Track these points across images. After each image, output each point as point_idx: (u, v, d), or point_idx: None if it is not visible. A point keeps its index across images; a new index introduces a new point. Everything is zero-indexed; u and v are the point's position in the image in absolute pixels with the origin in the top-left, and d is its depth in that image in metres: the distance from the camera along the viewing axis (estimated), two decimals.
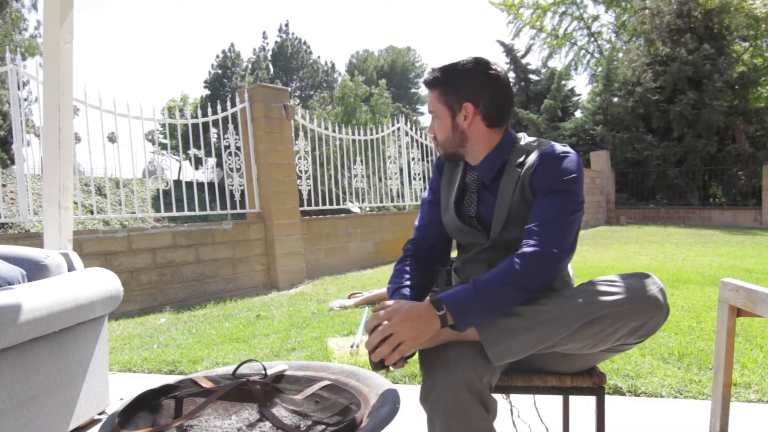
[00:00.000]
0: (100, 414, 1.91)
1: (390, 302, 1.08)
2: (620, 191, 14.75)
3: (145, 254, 4.40)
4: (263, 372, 1.23)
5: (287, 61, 33.81)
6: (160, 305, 4.43)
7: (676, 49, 13.75)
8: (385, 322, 1.01)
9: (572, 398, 1.59)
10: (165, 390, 1.16)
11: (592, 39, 20.75)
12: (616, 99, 15.33)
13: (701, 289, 3.99)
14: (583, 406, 1.87)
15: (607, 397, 1.72)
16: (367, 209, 8.06)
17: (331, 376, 1.28)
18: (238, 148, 5.28)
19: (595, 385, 1.17)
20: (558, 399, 1.66)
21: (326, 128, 6.30)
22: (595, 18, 20.51)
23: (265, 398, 1.10)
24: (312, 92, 32.33)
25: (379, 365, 1.05)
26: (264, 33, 52.88)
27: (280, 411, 1.08)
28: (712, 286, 4.06)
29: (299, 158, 5.77)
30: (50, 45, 2.21)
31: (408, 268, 1.29)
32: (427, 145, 7.99)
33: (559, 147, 1.18)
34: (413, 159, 7.65)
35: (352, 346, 2.67)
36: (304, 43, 34.95)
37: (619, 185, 14.76)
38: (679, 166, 14.19)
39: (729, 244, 7.52)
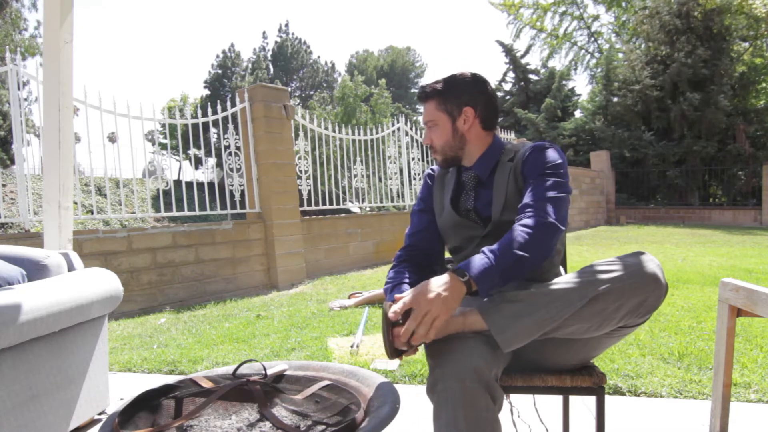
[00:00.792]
0: (100, 414, 1.91)
1: (404, 293, 1.09)
2: (620, 191, 14.76)
3: (145, 254, 4.40)
4: (263, 372, 1.23)
5: (287, 61, 33.82)
6: (160, 305, 4.44)
7: (676, 49, 13.75)
8: (415, 308, 1.03)
9: (572, 398, 1.59)
10: (165, 390, 1.16)
11: (593, 39, 20.75)
12: (615, 99, 15.34)
13: (701, 289, 3.99)
14: (582, 407, 1.87)
15: (607, 397, 1.72)
16: (367, 209, 8.06)
17: (331, 376, 1.28)
18: (238, 148, 5.28)
19: (595, 385, 1.17)
20: (558, 399, 1.66)
21: (326, 128, 6.30)
22: (596, 18, 20.52)
23: (265, 398, 1.10)
24: (312, 92, 32.33)
25: (396, 352, 1.07)
26: (264, 33, 52.96)
27: (280, 411, 1.08)
28: (712, 286, 4.06)
29: (299, 158, 5.77)
30: (50, 45, 2.21)
31: (404, 271, 1.33)
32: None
33: (545, 142, 1.31)
34: (413, 159, 7.65)
35: (352, 346, 2.67)
36: (304, 43, 34.97)
37: (619, 185, 14.76)
38: (679, 166, 14.19)
39: (729, 244, 7.53)
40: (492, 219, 1.28)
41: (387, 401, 1.07)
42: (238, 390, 1.13)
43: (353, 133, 6.66)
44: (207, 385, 1.20)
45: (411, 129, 7.63)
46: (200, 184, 20.86)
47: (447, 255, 1.50)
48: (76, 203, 4.41)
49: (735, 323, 1.35)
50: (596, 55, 20.12)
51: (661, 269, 1.08)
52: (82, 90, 4.23)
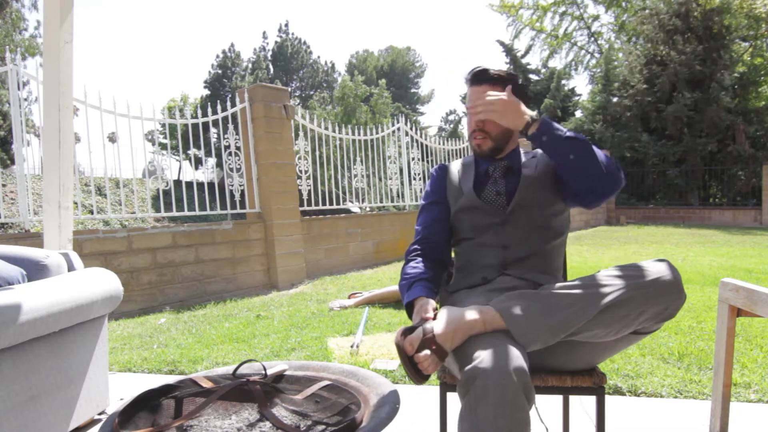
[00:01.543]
0: (100, 414, 1.91)
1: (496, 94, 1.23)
2: (620, 191, 14.74)
3: (145, 254, 4.40)
4: (263, 372, 1.23)
5: (287, 61, 33.81)
6: (160, 305, 4.44)
7: (675, 48, 13.75)
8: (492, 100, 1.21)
9: (572, 399, 1.59)
10: (165, 390, 1.16)
11: (593, 39, 20.75)
12: (615, 99, 15.34)
13: (701, 289, 3.99)
14: (581, 409, 1.87)
15: (607, 397, 1.72)
16: (367, 209, 8.06)
17: (331, 376, 1.28)
18: (238, 148, 5.28)
19: (595, 385, 1.17)
20: (558, 399, 1.66)
21: (326, 128, 6.30)
22: (595, 18, 20.53)
23: (265, 398, 1.10)
24: (312, 92, 32.32)
25: (424, 376, 1.07)
26: (264, 33, 52.86)
27: (280, 411, 1.08)
28: (712, 286, 4.06)
29: (299, 158, 5.77)
30: (50, 45, 2.21)
31: (419, 265, 1.35)
32: (427, 145, 7.99)
33: None
34: (413, 159, 7.65)
35: (352, 346, 2.67)
36: (304, 43, 34.95)
37: None
38: (678, 165, 14.19)
39: (729, 244, 7.53)
40: (518, 190, 1.34)
41: (387, 401, 1.07)
42: (238, 390, 1.13)
43: (353, 133, 6.66)
44: (207, 385, 1.20)
45: (411, 129, 7.63)
46: (200, 184, 20.86)
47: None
48: (76, 203, 4.41)
49: (735, 323, 1.35)
50: (596, 55, 20.13)
51: (681, 279, 1.07)
52: (82, 90, 4.24)
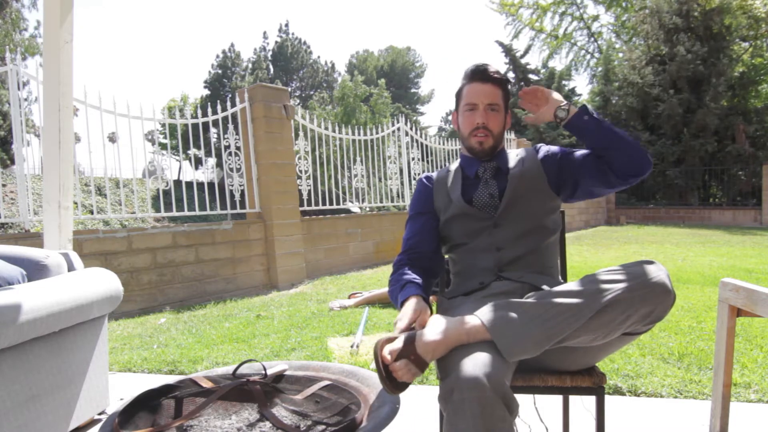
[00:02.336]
0: (100, 414, 1.91)
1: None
2: (620, 191, 14.75)
3: (145, 254, 4.40)
4: (263, 372, 1.23)
5: (287, 61, 33.79)
6: (160, 305, 4.44)
7: (675, 48, 13.76)
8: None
9: (572, 398, 1.59)
10: (165, 390, 1.16)
11: (592, 39, 20.75)
12: (615, 99, 15.34)
13: (701, 289, 3.99)
14: (582, 407, 1.87)
15: (607, 397, 1.72)
16: (367, 209, 8.06)
17: (331, 376, 1.28)
18: (238, 148, 5.28)
19: (595, 385, 1.17)
20: (558, 399, 1.66)
21: (326, 128, 6.30)
22: (595, 18, 20.53)
23: (265, 398, 1.10)
24: (312, 92, 32.31)
25: (398, 386, 1.05)
26: (264, 33, 52.75)
27: (280, 411, 1.08)
28: (712, 286, 4.06)
29: (299, 158, 5.77)
30: (50, 45, 2.21)
31: (407, 272, 1.34)
32: (427, 145, 7.99)
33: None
34: (413, 159, 7.65)
35: (352, 346, 2.67)
36: (304, 43, 34.93)
37: None
38: (677, 165, 14.19)
39: (729, 244, 7.53)
40: (507, 185, 1.35)
41: (387, 401, 1.07)
42: (238, 390, 1.13)
43: (353, 133, 6.66)
44: (207, 385, 1.20)
45: (411, 129, 7.63)
46: (200, 184, 20.85)
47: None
48: (76, 203, 4.41)
49: (735, 323, 1.35)
50: (596, 55, 20.13)
51: (669, 279, 1.05)
52: (82, 90, 4.24)
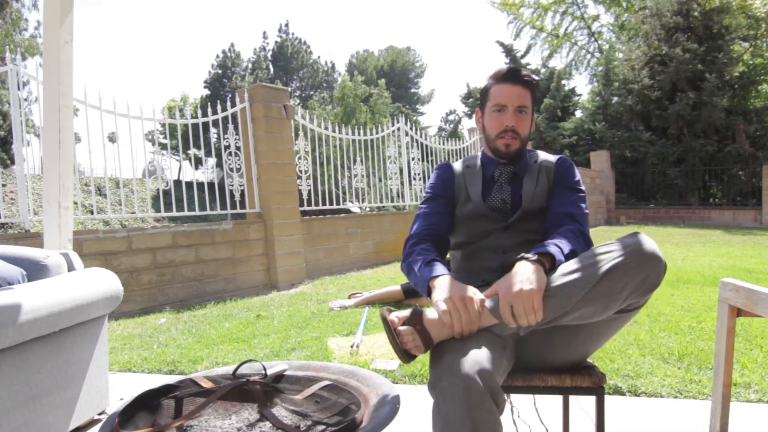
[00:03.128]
0: (100, 414, 1.91)
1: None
2: (620, 191, 14.75)
3: (145, 254, 4.40)
4: (263, 372, 1.23)
5: (287, 61, 33.79)
6: (160, 305, 4.44)
7: (675, 48, 13.76)
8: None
9: (571, 398, 1.59)
10: (165, 390, 1.16)
11: (593, 39, 20.75)
12: (615, 99, 15.34)
13: (701, 289, 3.99)
14: (580, 408, 1.87)
15: (607, 397, 1.72)
16: (367, 209, 8.06)
17: (331, 376, 1.28)
18: (238, 148, 5.28)
19: (595, 384, 1.17)
20: (558, 399, 1.66)
21: (326, 128, 6.30)
22: (596, 18, 20.53)
23: (265, 398, 1.10)
24: (312, 92, 32.31)
25: (408, 355, 1.07)
26: (264, 33, 52.75)
27: (280, 411, 1.08)
28: (712, 286, 4.06)
29: (299, 158, 5.77)
30: (50, 45, 2.21)
31: (432, 248, 1.31)
32: (427, 145, 7.99)
33: (567, 157, 1.47)
34: (413, 159, 7.65)
35: (352, 346, 2.67)
36: (304, 43, 34.92)
37: (619, 185, 14.76)
38: (678, 165, 14.19)
39: (729, 244, 7.52)
40: (522, 205, 1.36)
41: (387, 401, 1.07)
42: (238, 390, 1.13)
43: (353, 133, 6.66)
44: (207, 385, 1.20)
45: (411, 129, 7.63)
46: (200, 184, 20.85)
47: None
48: (76, 203, 4.41)
49: (735, 323, 1.35)
50: (596, 55, 20.13)
51: (658, 247, 1.09)
52: (82, 90, 4.24)
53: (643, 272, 1.05)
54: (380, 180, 7.38)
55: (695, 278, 4.45)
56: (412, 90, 37.40)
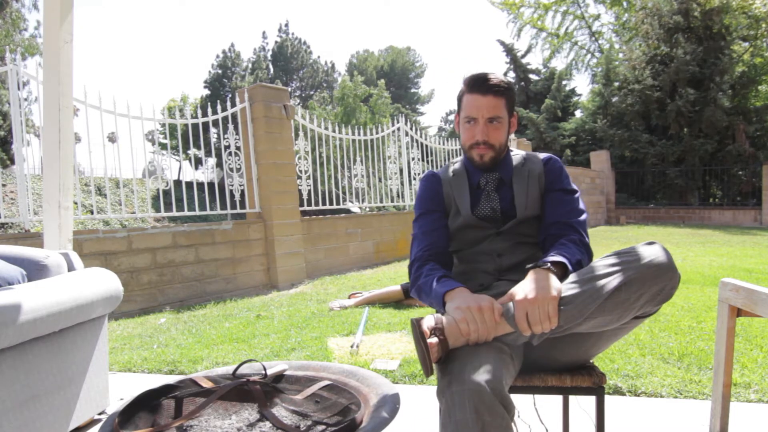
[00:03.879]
0: (100, 414, 1.91)
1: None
2: (620, 191, 14.76)
3: (145, 254, 4.40)
4: (263, 372, 1.23)
5: (287, 61, 33.79)
6: (160, 305, 4.44)
7: (675, 48, 13.76)
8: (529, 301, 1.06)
9: (571, 398, 1.59)
10: (165, 390, 1.16)
11: (593, 39, 20.75)
12: (615, 99, 15.34)
13: (701, 289, 3.99)
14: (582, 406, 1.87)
15: (607, 397, 1.72)
16: (367, 209, 8.06)
17: (331, 376, 1.28)
18: (238, 148, 5.28)
19: (595, 385, 1.17)
20: (558, 399, 1.66)
21: (326, 128, 6.30)
22: (596, 17, 20.52)
23: (265, 398, 1.10)
24: (312, 92, 32.32)
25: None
26: (264, 33, 52.85)
27: (280, 411, 1.08)
28: (712, 286, 4.06)
29: (299, 158, 5.77)
30: (50, 45, 2.21)
31: (438, 267, 1.31)
32: (427, 145, 7.99)
33: (553, 156, 1.44)
34: (413, 159, 7.65)
35: (352, 346, 2.67)
36: (304, 43, 34.92)
37: (619, 185, 14.77)
38: (678, 165, 14.19)
39: (729, 244, 7.52)
40: (517, 216, 1.34)
41: (387, 401, 1.07)
42: (238, 390, 1.13)
43: (353, 133, 6.66)
44: (207, 385, 1.20)
45: (411, 129, 7.63)
46: (200, 184, 20.85)
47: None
48: (76, 203, 4.41)
49: (735, 323, 1.36)
50: (597, 54, 20.12)
51: (673, 259, 1.09)
52: (82, 90, 4.24)
53: (659, 284, 1.05)
54: (380, 180, 7.38)
55: (695, 278, 4.45)
56: (412, 90, 37.39)
